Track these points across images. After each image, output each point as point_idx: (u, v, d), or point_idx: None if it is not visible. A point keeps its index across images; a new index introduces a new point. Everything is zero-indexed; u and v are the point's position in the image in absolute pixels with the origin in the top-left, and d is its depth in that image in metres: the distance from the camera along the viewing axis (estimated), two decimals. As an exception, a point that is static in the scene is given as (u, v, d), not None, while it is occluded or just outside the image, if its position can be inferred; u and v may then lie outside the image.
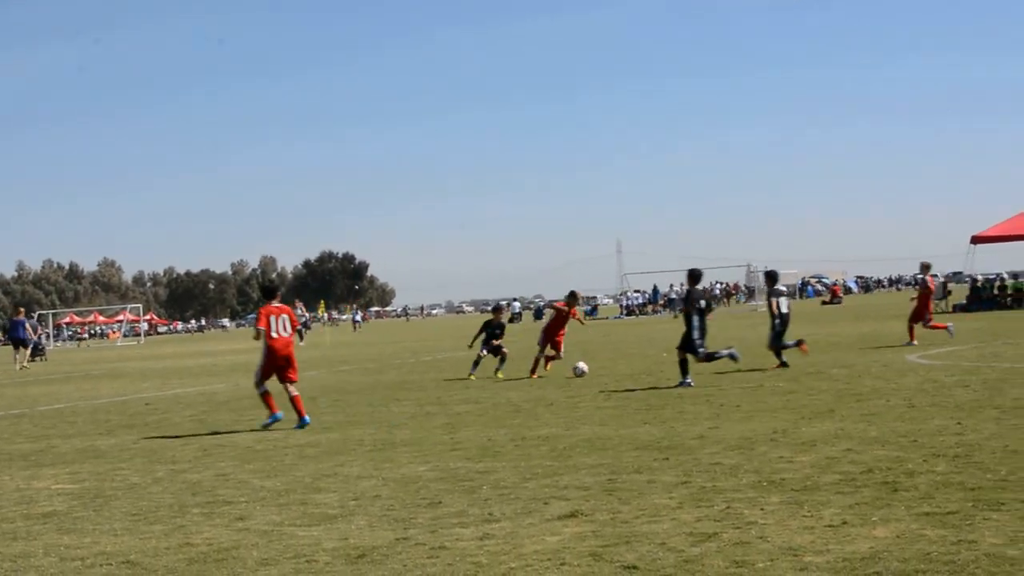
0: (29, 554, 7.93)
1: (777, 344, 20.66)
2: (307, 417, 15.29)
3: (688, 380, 17.76)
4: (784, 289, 22.01)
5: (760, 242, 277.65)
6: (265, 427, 15.29)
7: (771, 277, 21.92)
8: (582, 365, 21.66)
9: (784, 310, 20.76)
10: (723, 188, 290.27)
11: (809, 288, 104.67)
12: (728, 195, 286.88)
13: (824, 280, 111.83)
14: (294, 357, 15.64)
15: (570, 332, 24.65)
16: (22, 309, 54.43)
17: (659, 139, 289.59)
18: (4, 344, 75.34)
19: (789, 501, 8.17)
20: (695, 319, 18.56)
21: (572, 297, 23.96)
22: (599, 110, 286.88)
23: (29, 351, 45.76)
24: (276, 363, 15.38)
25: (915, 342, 24.57)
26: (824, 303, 75.89)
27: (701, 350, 18.45)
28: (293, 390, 15.37)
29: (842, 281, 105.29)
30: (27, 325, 45.67)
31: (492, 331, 23.52)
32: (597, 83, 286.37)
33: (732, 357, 18.93)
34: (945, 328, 25.22)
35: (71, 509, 9.70)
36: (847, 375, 17.93)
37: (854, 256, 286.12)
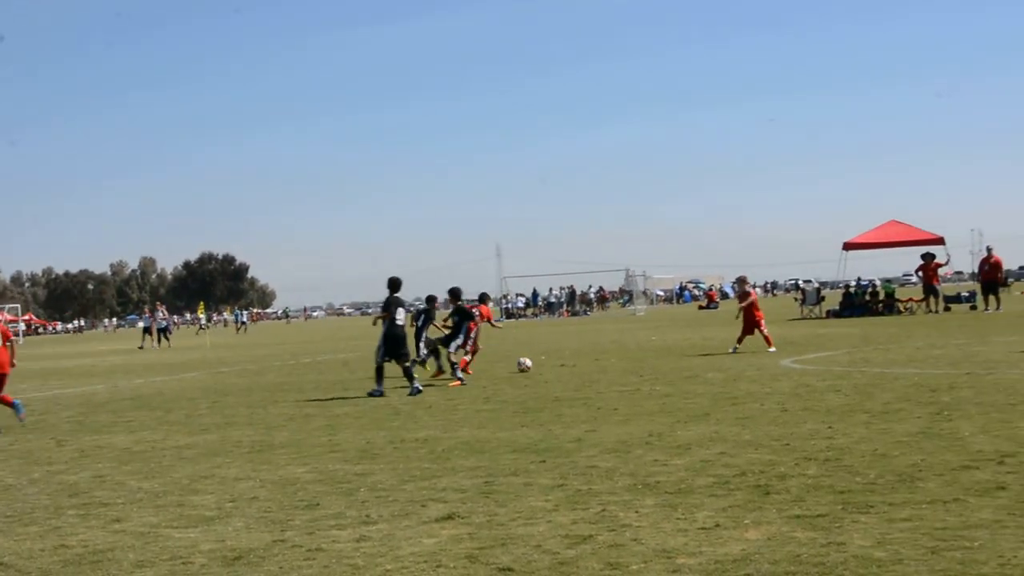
0: None
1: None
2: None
3: (380, 388, 18.41)
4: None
5: (639, 246, 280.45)
6: None
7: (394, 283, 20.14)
8: (526, 361, 22.64)
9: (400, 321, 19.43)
10: (603, 191, 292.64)
11: (686, 293, 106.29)
12: (608, 198, 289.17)
13: (701, 285, 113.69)
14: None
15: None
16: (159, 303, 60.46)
17: (536, 138, 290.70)
18: None
19: (663, 504, 8.36)
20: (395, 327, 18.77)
21: (483, 298, 24.34)
22: (472, 109, 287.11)
23: None
24: None
25: (773, 348, 24.77)
26: (701, 308, 77.19)
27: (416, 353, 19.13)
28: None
29: (718, 286, 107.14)
30: None
31: (426, 323, 22.35)
32: (471, 82, 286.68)
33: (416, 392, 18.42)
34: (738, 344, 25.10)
35: (-61, 512, 9.48)
36: (723, 379, 18.29)
37: (731, 262, 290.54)
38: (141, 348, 51.34)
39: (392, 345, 18.81)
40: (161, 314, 54.99)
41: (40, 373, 33.21)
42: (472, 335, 21.80)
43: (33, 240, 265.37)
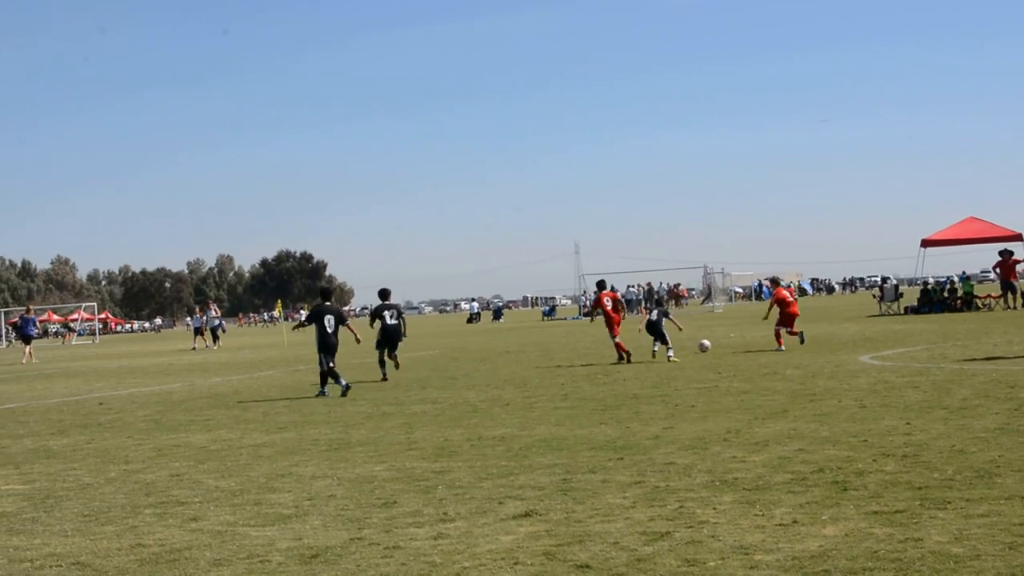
0: (-22, 555, 7.86)
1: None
2: None
3: (329, 387, 19.60)
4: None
5: (717, 244, 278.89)
6: None
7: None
8: (706, 343, 25.96)
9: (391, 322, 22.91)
10: (682, 188, 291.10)
11: (765, 290, 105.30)
12: (687, 196, 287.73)
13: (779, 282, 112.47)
14: None
15: (532, 331, 24.70)
16: (31, 307, 57.50)
17: (616, 137, 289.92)
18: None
19: (741, 500, 8.25)
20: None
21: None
22: (555, 107, 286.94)
23: (29, 347, 47.71)
24: None
25: (783, 347, 25.34)
26: (780, 304, 76.31)
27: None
28: None
29: (797, 283, 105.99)
30: (36, 322, 47.94)
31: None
32: (555, 81, 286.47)
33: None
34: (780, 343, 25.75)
35: (21, 510, 9.62)
36: (801, 376, 18.08)
37: (810, 259, 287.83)
38: (194, 349, 50.40)
39: (326, 347, 20.08)
40: (212, 313, 54.08)
41: (116, 372, 33.77)
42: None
43: (110, 238, 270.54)
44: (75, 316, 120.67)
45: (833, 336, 25.74)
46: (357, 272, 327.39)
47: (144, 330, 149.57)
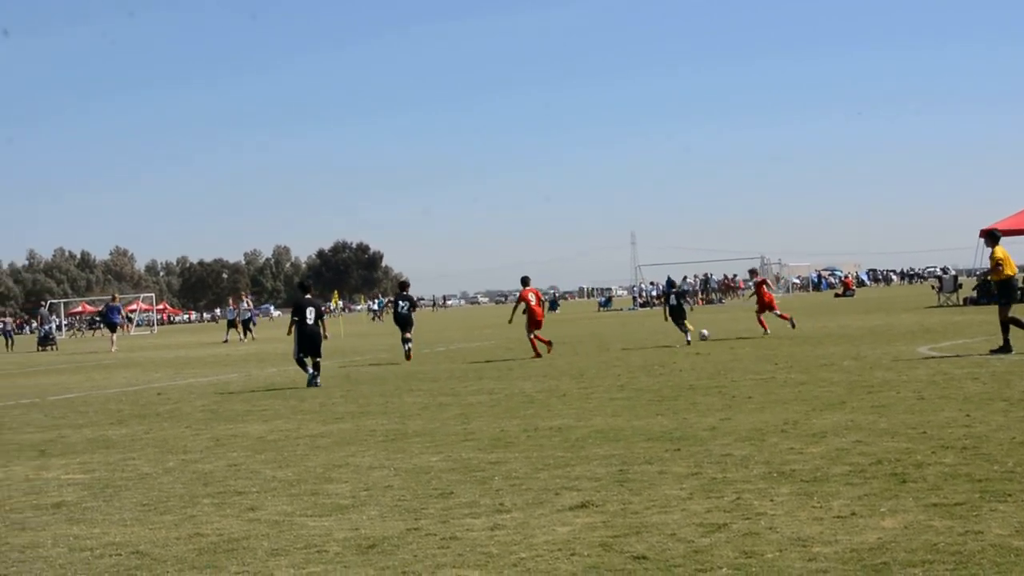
0: (37, 544, 7.95)
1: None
2: None
3: (314, 377, 20.64)
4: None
5: (774, 234, 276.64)
6: None
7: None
8: (705, 332, 28.00)
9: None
10: (738, 180, 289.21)
11: (823, 281, 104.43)
12: (742, 187, 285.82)
13: (837, 272, 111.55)
14: None
15: (588, 321, 24.65)
16: (116, 295, 59.67)
17: (674, 129, 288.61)
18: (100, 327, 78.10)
19: (799, 492, 8.16)
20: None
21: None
22: (612, 98, 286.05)
23: (115, 334, 49.23)
24: None
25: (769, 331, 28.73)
26: (837, 295, 75.76)
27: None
28: None
29: (855, 274, 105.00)
30: (122, 310, 49.26)
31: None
32: (610, 71, 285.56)
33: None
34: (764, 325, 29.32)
35: (81, 499, 9.73)
36: (858, 367, 17.89)
37: (867, 249, 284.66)
38: (226, 341, 49.82)
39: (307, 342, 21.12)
40: (245, 305, 53.65)
41: (173, 362, 34.14)
42: None
43: (168, 229, 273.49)
44: (133, 307, 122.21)
45: (891, 327, 25.45)
46: (413, 263, 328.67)
47: (201, 321, 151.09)
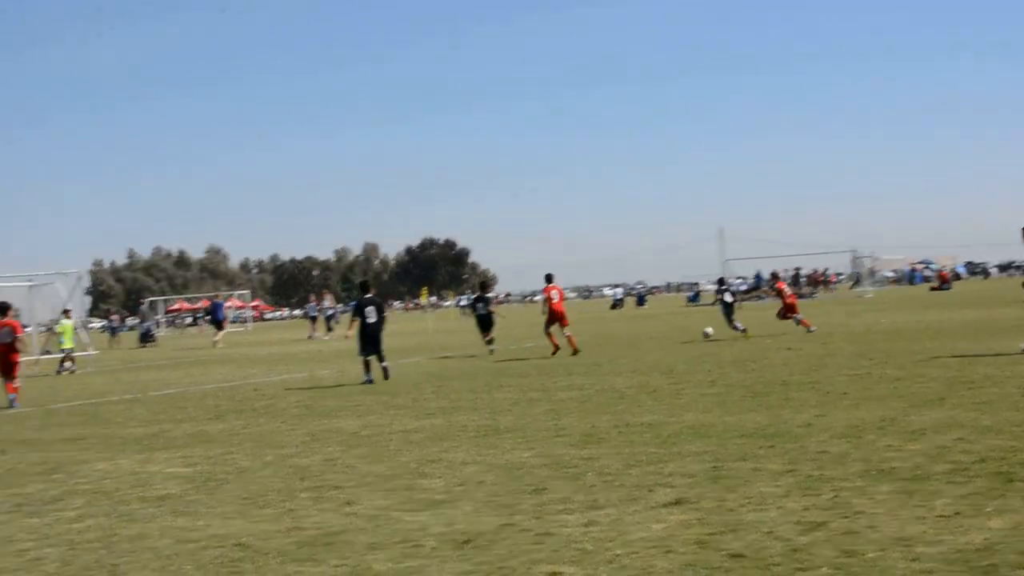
0: (146, 535, 8.16)
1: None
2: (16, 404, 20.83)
3: (369, 377, 20.96)
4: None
5: (866, 227, 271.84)
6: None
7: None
8: (709, 330, 28.64)
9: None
10: (832, 172, 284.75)
11: (917, 274, 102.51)
12: (836, 179, 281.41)
13: (932, 266, 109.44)
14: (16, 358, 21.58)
15: (677, 316, 24.55)
16: (220, 293, 62.67)
17: (760, 123, 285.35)
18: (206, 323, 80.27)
19: (899, 491, 8.03)
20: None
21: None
22: (695, 94, 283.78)
23: (222, 331, 50.60)
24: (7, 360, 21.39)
25: (813, 328, 28.68)
26: (932, 289, 74.27)
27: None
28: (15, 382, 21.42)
29: (951, 267, 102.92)
30: (224, 308, 51.12)
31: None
32: (693, 67, 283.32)
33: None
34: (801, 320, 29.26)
35: (184, 492, 9.95)
36: (957, 363, 17.53)
37: (963, 241, 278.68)
38: (310, 338, 50.38)
39: (366, 336, 21.49)
40: (327, 303, 53.99)
41: (267, 358, 34.65)
42: None
43: (260, 227, 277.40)
44: (228, 304, 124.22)
45: (991, 322, 24.92)
46: (501, 259, 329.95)
47: (292, 318, 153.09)
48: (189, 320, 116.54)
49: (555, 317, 26.47)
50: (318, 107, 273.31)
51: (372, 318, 21.52)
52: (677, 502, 8.13)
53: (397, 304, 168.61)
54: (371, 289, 22.86)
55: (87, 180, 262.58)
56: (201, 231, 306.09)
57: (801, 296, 75.65)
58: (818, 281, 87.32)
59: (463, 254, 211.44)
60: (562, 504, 8.35)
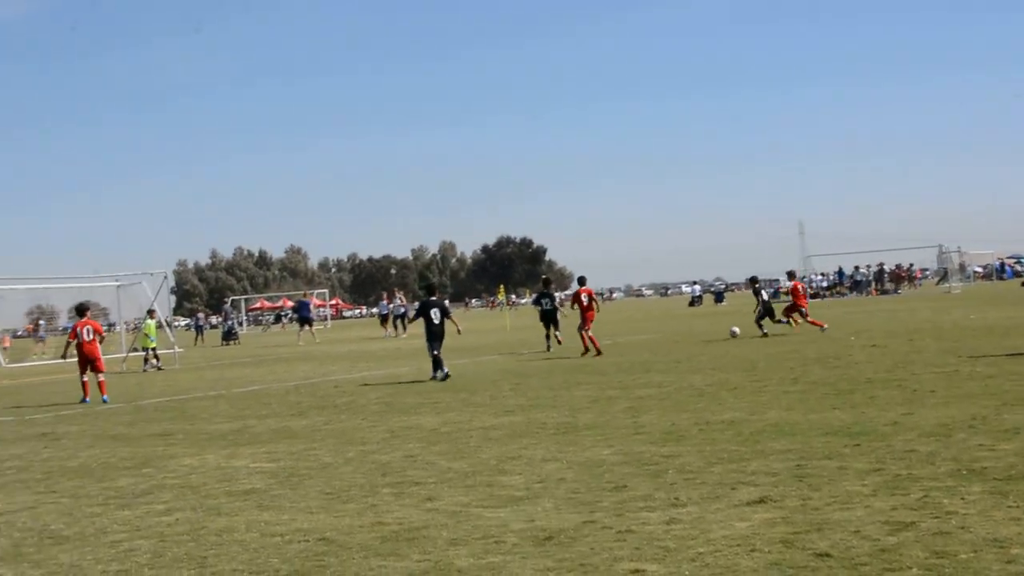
0: (232, 529, 8.26)
1: None
2: (106, 396, 21.88)
3: (439, 372, 21.52)
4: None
5: (952, 222, 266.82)
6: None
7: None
8: (736, 329, 29.90)
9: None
10: (916, 164, 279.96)
11: (1007, 269, 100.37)
12: (920, 172, 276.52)
13: (1023, 260, 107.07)
14: (99, 354, 22.45)
15: (750, 315, 24.32)
16: (309, 292, 64.40)
17: (841, 117, 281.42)
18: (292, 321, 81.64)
19: (992, 491, 7.85)
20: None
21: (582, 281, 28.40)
22: (773, 90, 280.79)
23: (312, 328, 52.35)
24: (84, 358, 22.18)
25: (823, 327, 29.35)
26: None
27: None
28: (100, 377, 22.11)
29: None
30: (312, 306, 52.36)
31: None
32: (768, 62, 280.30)
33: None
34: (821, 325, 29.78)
35: (269, 487, 10.06)
36: (1049, 360, 17.14)
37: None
38: (384, 336, 50.72)
39: (433, 336, 22.09)
40: (398, 301, 54.18)
41: (347, 356, 34.95)
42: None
43: (339, 226, 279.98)
44: (280, 304, 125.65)
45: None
46: (577, 256, 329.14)
47: (371, 316, 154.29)
48: (271, 318, 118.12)
49: (585, 318, 27.01)
50: (397, 107, 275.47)
51: (437, 319, 22.13)
52: (761, 500, 8.04)
53: (475, 302, 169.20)
54: (436, 292, 23.68)
55: (170, 182, 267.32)
56: (281, 231, 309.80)
57: (884, 292, 74.73)
58: (902, 277, 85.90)
59: (539, 252, 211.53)
60: (643, 502, 8.29)
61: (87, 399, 21.91)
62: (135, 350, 39.67)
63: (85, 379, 22.21)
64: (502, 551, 7.07)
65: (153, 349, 35.71)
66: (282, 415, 16.61)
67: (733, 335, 29.66)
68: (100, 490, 10.62)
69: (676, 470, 9.54)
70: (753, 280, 33.42)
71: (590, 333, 26.47)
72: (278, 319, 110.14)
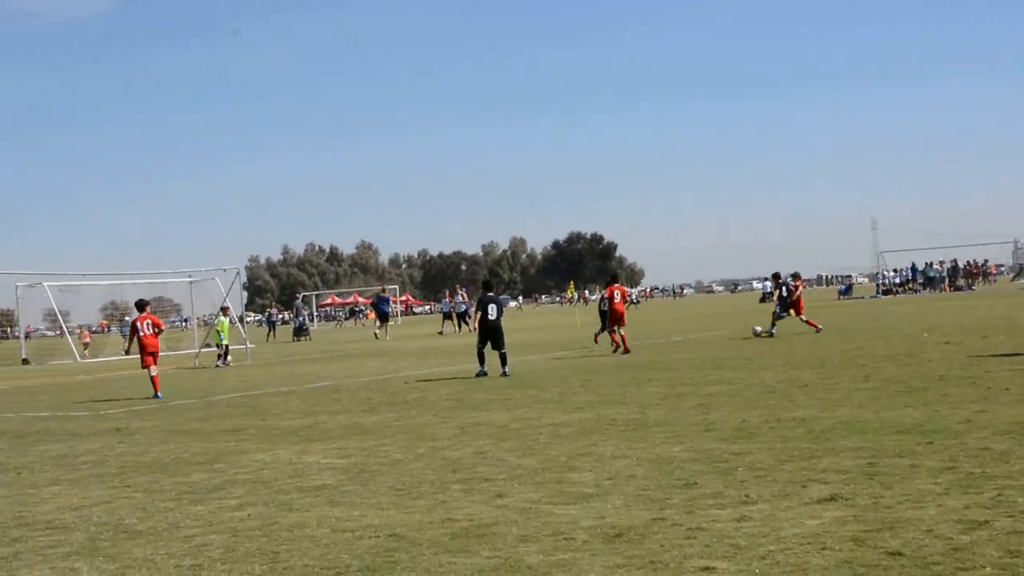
0: (304, 524, 8.37)
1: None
2: (160, 394, 22.26)
3: (484, 369, 22.21)
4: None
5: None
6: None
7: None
8: (758, 328, 30.43)
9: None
10: (988, 162, 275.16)
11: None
12: (993, 169, 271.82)
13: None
14: (157, 348, 22.92)
15: (827, 310, 24.02)
16: (386, 288, 65.54)
17: (915, 112, 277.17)
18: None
19: (1069, 490, 7.73)
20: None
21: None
22: (848, 86, 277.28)
23: (387, 324, 52.94)
24: (145, 349, 22.55)
25: (820, 328, 30.11)
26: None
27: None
28: (154, 371, 22.53)
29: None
30: (390, 301, 53.15)
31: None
32: (843, 59, 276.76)
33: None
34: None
35: (340, 483, 10.17)
36: None
37: None
38: (441, 334, 50.71)
39: (486, 331, 22.80)
40: (460, 298, 54.31)
41: (417, 351, 35.14)
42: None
43: (409, 222, 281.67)
44: (351, 300, 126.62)
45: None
46: (647, 252, 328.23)
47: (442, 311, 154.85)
48: (345, 314, 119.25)
49: (616, 317, 27.63)
50: (468, 103, 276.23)
51: (492, 315, 22.91)
52: (832, 498, 7.98)
53: (544, 298, 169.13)
54: (493, 288, 24.67)
55: (243, 178, 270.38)
56: (353, 227, 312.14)
57: (958, 288, 73.53)
58: (976, 273, 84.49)
59: (610, 248, 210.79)
60: (713, 499, 8.27)
61: (159, 394, 22.20)
62: (207, 346, 40.22)
63: (154, 374, 22.52)
64: (572, 548, 7.10)
65: (225, 345, 36.17)
66: (353, 411, 16.77)
67: (756, 334, 30.08)
68: (173, 485, 10.81)
69: (746, 467, 9.50)
70: (776, 276, 33.87)
71: (622, 331, 27.29)
72: (353, 314, 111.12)
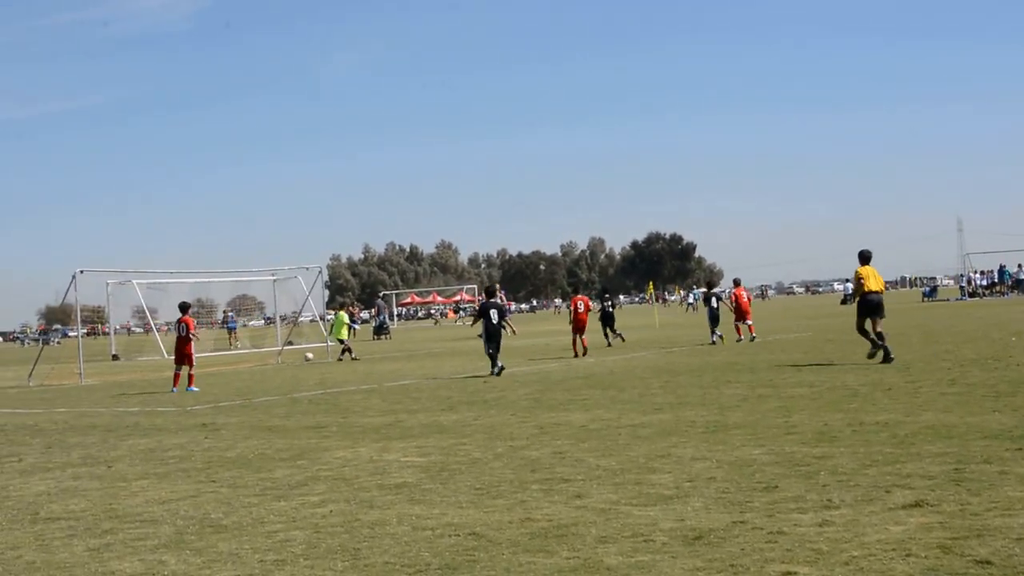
0: (384, 522, 8.44)
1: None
2: (191, 388, 24.48)
3: (495, 369, 23.49)
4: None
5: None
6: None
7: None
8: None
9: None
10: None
11: None
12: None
13: None
14: (190, 349, 24.95)
15: (912, 312, 23.66)
16: (497, 285, 63.02)
17: (1001, 113, 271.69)
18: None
19: None
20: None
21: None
22: (932, 89, 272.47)
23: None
24: (181, 351, 24.89)
25: (742, 337, 31.82)
26: None
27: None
28: (191, 370, 24.82)
29: None
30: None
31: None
32: (922, 67, 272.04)
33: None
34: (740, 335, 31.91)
35: (420, 481, 10.23)
36: None
37: None
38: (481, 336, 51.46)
39: (489, 335, 24.27)
40: (500, 298, 54.24)
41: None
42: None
43: (489, 222, 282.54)
44: (458, 297, 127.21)
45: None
46: (726, 253, 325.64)
47: (521, 311, 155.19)
48: (441, 311, 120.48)
49: (579, 326, 30.10)
50: (550, 104, 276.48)
51: (494, 319, 24.33)
52: (917, 504, 7.86)
53: (623, 298, 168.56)
54: (496, 294, 26.46)
55: (326, 178, 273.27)
56: (433, 226, 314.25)
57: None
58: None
59: (689, 248, 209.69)
60: (795, 503, 8.19)
61: (175, 389, 24.79)
62: (290, 344, 40.74)
63: (178, 371, 25.07)
64: (651, 550, 7.07)
65: (342, 340, 37.26)
66: (432, 410, 16.87)
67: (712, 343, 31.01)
68: (257, 480, 10.95)
69: (829, 471, 9.39)
70: (709, 285, 35.62)
71: (583, 337, 29.77)
72: (457, 311, 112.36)
